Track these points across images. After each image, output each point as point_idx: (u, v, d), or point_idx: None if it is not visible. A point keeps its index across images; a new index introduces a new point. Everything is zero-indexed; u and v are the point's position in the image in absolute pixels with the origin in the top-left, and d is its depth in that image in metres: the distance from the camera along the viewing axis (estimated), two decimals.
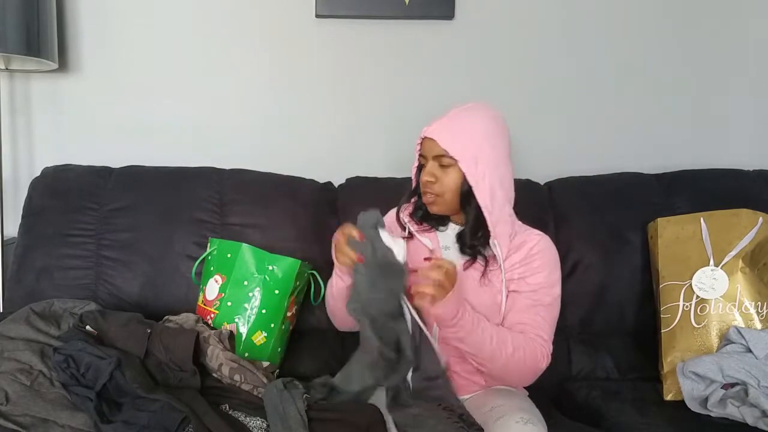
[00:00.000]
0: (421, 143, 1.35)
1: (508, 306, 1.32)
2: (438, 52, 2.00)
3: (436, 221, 1.41)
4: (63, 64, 1.97)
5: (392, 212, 1.45)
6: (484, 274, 1.32)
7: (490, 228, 1.30)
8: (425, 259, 1.26)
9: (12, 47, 1.69)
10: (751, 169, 1.85)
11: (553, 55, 2.01)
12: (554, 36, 2.00)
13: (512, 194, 1.37)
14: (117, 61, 1.99)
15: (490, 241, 1.31)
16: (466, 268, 1.33)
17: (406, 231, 1.41)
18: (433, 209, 1.35)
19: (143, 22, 1.98)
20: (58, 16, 1.88)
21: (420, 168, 1.36)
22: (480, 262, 1.33)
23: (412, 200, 1.44)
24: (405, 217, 1.43)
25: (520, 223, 1.40)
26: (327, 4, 1.94)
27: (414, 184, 1.41)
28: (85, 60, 2.00)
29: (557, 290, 1.34)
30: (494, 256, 1.32)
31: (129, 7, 1.98)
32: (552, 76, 2.01)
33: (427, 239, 1.39)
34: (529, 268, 1.32)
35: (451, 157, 1.27)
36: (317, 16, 1.96)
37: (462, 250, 1.35)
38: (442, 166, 1.30)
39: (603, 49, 2.01)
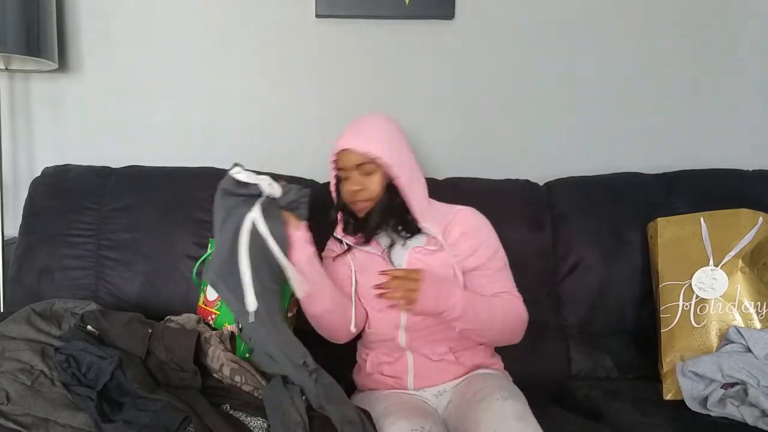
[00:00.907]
0: (337, 159, 1.42)
1: (475, 287, 1.40)
2: (438, 52, 2.00)
3: (364, 227, 1.46)
4: (63, 64, 1.97)
5: (330, 241, 1.54)
6: (428, 254, 1.40)
7: (417, 215, 1.38)
8: (381, 272, 1.31)
9: (12, 47, 1.70)
10: (751, 169, 1.85)
11: (552, 55, 2.01)
12: (554, 36, 2.00)
13: (425, 183, 1.47)
14: (117, 61, 2.00)
15: (421, 225, 1.39)
16: (412, 255, 1.42)
17: (346, 247, 1.49)
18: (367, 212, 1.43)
19: (143, 22, 1.98)
20: (58, 16, 1.88)
21: (339, 183, 1.45)
22: (420, 245, 1.42)
23: (339, 216, 1.50)
24: (340, 235, 1.50)
25: (440, 204, 1.49)
26: (327, 4, 1.94)
27: (336, 201, 1.48)
28: (85, 60, 2.00)
29: (501, 251, 1.45)
30: (432, 237, 1.40)
31: (129, 7, 1.98)
32: (551, 75, 2.01)
33: (369, 246, 1.46)
34: (470, 247, 1.40)
35: (372, 162, 1.36)
36: (317, 16, 1.96)
37: (401, 242, 1.43)
38: (365, 174, 1.39)
39: (603, 48, 2.01)
